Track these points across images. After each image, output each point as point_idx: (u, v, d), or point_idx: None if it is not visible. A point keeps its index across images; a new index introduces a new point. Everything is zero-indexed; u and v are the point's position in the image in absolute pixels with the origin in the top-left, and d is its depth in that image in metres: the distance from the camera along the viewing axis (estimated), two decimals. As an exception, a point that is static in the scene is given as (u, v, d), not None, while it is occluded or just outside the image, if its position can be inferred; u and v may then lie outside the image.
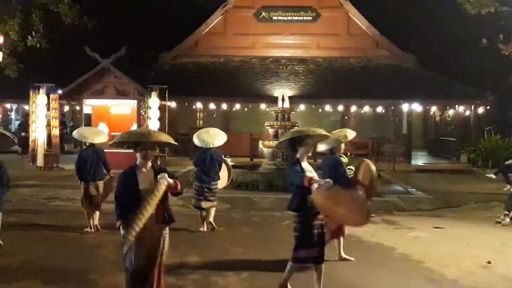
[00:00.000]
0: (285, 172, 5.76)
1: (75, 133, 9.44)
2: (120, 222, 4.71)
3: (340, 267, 6.97)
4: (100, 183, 9.15)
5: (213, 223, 9.30)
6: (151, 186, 4.70)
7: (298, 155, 5.58)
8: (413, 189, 14.66)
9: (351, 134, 7.41)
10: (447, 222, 10.43)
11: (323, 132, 5.76)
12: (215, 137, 9.35)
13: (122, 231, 4.68)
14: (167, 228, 4.91)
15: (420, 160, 22.72)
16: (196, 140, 9.33)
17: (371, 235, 9.01)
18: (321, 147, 7.19)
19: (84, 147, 9.60)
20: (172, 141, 4.95)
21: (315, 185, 5.17)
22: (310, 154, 5.78)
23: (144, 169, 4.91)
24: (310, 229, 5.34)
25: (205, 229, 9.21)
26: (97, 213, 9.11)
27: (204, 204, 9.24)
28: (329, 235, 6.74)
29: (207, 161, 9.19)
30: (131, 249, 4.66)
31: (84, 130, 10.09)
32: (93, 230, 8.98)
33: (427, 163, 22.05)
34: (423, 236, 9.12)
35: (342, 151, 7.39)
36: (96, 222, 9.09)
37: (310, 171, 5.54)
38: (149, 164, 4.94)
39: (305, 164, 5.56)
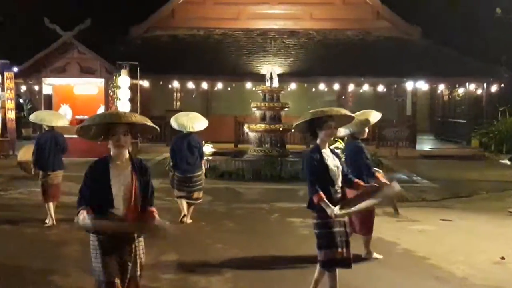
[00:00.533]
0: (303, 161, 5.59)
1: (32, 116, 9.46)
2: (82, 208, 4.27)
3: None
4: (60, 173, 9.24)
5: (189, 216, 9.39)
6: (125, 183, 4.32)
7: (318, 141, 5.36)
8: (418, 177, 14.75)
9: (375, 116, 7.32)
10: (456, 214, 10.51)
11: (348, 112, 5.57)
12: (196, 121, 9.41)
13: (80, 218, 4.23)
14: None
15: (426, 145, 22.89)
16: (174, 123, 9.41)
17: (370, 229, 9.08)
18: (341, 132, 7.11)
19: (44, 131, 9.59)
20: (149, 123, 4.43)
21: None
22: (331, 138, 5.68)
23: (118, 162, 4.40)
24: (331, 226, 5.26)
25: (187, 221, 9.33)
26: (54, 204, 9.23)
27: (190, 195, 9.40)
28: (352, 230, 6.98)
29: (185, 148, 9.27)
30: (97, 259, 4.31)
31: (42, 112, 10.10)
32: (54, 222, 9.07)
33: (434, 148, 22.21)
34: (428, 230, 9.19)
35: (365, 135, 7.39)
36: (52, 214, 9.18)
37: (333, 160, 5.34)
38: (126, 154, 4.43)
39: (326, 151, 5.36)
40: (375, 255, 7.37)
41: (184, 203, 9.39)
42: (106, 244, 4.29)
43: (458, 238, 8.63)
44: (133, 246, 4.38)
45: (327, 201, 5.14)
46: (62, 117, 9.67)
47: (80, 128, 4.42)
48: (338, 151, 14.59)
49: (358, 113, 7.26)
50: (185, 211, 9.34)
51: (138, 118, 4.38)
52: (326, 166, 5.25)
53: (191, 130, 9.28)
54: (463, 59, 22.34)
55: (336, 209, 5.09)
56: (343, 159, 5.81)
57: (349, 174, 5.53)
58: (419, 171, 15.80)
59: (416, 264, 7.20)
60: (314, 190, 5.19)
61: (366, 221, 7.30)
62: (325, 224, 5.25)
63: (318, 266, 5.49)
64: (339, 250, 5.26)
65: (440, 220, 9.90)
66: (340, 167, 5.37)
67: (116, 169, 4.38)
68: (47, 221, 9.12)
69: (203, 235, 8.65)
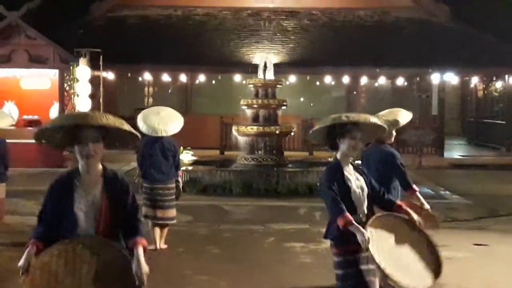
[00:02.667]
0: (321, 179, 5.31)
1: None
2: (31, 242, 4.16)
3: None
4: (1, 187, 9.10)
5: (158, 241, 9.32)
6: (95, 206, 4.15)
7: (338, 155, 5.19)
8: (447, 192, 14.83)
9: (405, 116, 7.24)
10: (493, 237, 10.55)
11: (380, 121, 5.33)
12: (169, 122, 9.35)
13: (24, 256, 4.12)
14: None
15: (456, 151, 22.97)
16: (141, 125, 9.22)
17: (388, 256, 9.10)
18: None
19: None
20: (127, 127, 4.20)
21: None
22: (356, 151, 5.38)
23: (87, 177, 4.23)
24: (357, 264, 5.09)
25: (159, 246, 9.25)
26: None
27: (161, 213, 9.27)
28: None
29: (157, 152, 9.25)
30: None
31: None
32: None
33: (466, 155, 22.28)
34: (459, 257, 9.21)
35: (392, 140, 7.20)
36: None
37: (357, 179, 5.16)
38: (98, 167, 4.26)
39: (348, 169, 5.19)
40: None
41: (156, 229, 9.27)
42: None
43: (496, 268, 8.66)
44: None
45: (357, 224, 4.85)
46: (6, 116, 9.54)
47: (39, 132, 4.23)
48: (349, 159, 14.60)
49: (383, 112, 7.25)
50: (157, 240, 9.26)
51: (111, 121, 4.12)
52: (348, 188, 5.06)
53: (164, 134, 9.23)
54: (501, 46, 22.43)
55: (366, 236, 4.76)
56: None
57: (385, 194, 5.32)
58: (448, 184, 15.84)
59: (444, 299, 7.22)
60: (338, 210, 4.92)
61: None
62: (351, 262, 5.04)
63: None
64: None
65: (474, 245, 9.93)
66: (366, 189, 5.17)
67: (83, 188, 4.19)
68: None
69: (181, 265, 8.64)
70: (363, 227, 4.85)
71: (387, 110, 7.40)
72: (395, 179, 6.83)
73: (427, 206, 6.68)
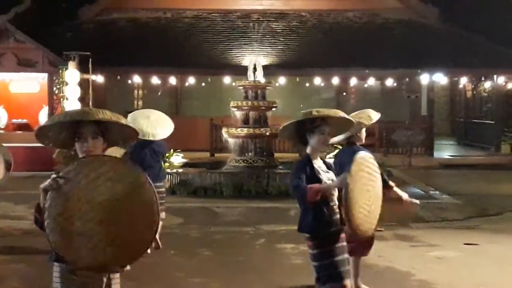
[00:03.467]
0: (291, 174, 5.42)
1: None
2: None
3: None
4: None
5: (158, 240, 9.25)
6: None
7: (308, 149, 5.32)
8: (436, 192, 14.87)
9: (373, 115, 7.31)
10: (483, 237, 10.58)
11: (346, 115, 5.48)
12: (158, 126, 9.27)
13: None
14: None
15: (445, 151, 23.04)
16: None
17: (378, 256, 9.07)
18: (335, 138, 6.87)
19: None
20: (124, 121, 4.26)
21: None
22: (326, 146, 5.50)
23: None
24: (332, 255, 5.23)
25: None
26: None
27: None
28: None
29: (147, 157, 9.19)
30: None
31: None
32: None
33: (455, 155, 22.36)
34: (450, 257, 9.24)
35: (363, 140, 7.30)
36: None
37: (326, 172, 5.30)
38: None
39: (318, 163, 5.32)
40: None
41: None
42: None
43: (486, 267, 8.68)
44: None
45: (323, 186, 5.05)
46: None
47: (40, 132, 4.24)
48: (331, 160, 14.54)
49: (353, 114, 7.32)
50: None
51: (108, 115, 4.16)
52: (319, 180, 5.17)
53: (151, 138, 9.11)
54: (490, 47, 22.53)
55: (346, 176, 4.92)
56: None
57: None
58: (438, 184, 15.90)
59: (435, 299, 7.24)
60: (304, 190, 5.03)
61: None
62: (326, 253, 5.19)
63: None
64: (346, 281, 5.22)
65: (464, 244, 9.95)
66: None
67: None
68: None
69: (172, 267, 8.62)
70: (336, 218, 5.15)
71: (355, 112, 7.45)
72: None
73: (405, 195, 6.98)
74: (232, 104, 15.61)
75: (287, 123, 5.32)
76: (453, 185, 15.94)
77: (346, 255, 5.29)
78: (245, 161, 15.28)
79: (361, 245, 6.93)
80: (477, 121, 25.18)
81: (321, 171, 5.25)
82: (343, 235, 5.27)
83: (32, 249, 9.30)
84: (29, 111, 20.23)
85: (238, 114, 15.61)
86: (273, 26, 23.98)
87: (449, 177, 17.73)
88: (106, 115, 4.13)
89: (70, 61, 18.39)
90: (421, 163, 19.88)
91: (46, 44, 19.34)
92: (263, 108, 15.46)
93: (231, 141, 15.61)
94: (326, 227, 5.16)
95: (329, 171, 5.34)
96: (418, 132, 21.00)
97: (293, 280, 7.71)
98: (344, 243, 5.30)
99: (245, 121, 15.52)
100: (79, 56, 18.53)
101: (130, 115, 9.43)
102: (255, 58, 17.41)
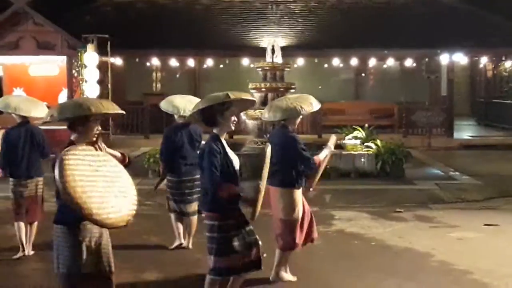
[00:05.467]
0: (203, 151, 5.56)
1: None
2: None
3: (358, 281, 7.04)
4: (40, 181, 8.34)
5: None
6: None
7: (217, 130, 5.52)
8: (456, 173, 14.80)
9: (315, 104, 6.99)
10: (504, 217, 10.52)
11: (249, 96, 5.90)
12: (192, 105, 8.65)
13: None
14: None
15: (465, 132, 22.90)
16: (166, 106, 8.68)
17: (398, 237, 9.08)
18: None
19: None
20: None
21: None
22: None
23: None
24: (226, 230, 5.54)
25: (185, 244, 8.60)
26: (34, 226, 8.32)
27: (189, 207, 8.45)
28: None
29: (185, 141, 8.44)
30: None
31: (12, 98, 9.85)
32: (26, 252, 8.19)
33: (476, 136, 22.22)
34: (470, 237, 9.21)
35: (296, 125, 7.04)
36: (30, 240, 8.32)
37: (233, 154, 5.62)
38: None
39: (225, 144, 5.60)
40: (286, 276, 7.02)
41: (180, 225, 8.58)
42: None
43: (506, 247, 8.65)
44: None
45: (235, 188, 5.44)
46: (39, 105, 8.60)
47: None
48: (358, 141, 14.55)
49: (293, 96, 7.24)
50: (182, 237, 8.58)
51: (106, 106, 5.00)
52: (231, 161, 5.50)
53: (186, 113, 7.87)
54: (511, 26, 22.29)
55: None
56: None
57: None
58: (458, 165, 15.81)
59: (455, 280, 7.21)
60: (217, 181, 5.35)
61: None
62: (222, 228, 5.53)
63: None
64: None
65: (484, 225, 9.91)
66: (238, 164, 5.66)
67: None
68: (20, 253, 8.17)
69: (192, 248, 8.58)
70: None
71: (295, 95, 7.38)
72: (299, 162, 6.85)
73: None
74: (250, 85, 15.56)
75: (197, 108, 5.56)
76: (473, 165, 15.86)
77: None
78: (264, 143, 15.24)
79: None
80: (498, 101, 25.00)
81: (228, 151, 5.55)
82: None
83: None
84: (48, 94, 20.27)
85: (257, 95, 15.56)
86: (291, 7, 23.87)
87: (469, 157, 17.62)
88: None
89: (89, 44, 18.45)
90: (441, 144, 19.77)
91: (65, 27, 19.39)
92: (282, 89, 15.39)
93: (249, 123, 15.57)
94: (232, 208, 5.65)
95: (233, 153, 5.66)
96: (437, 112, 20.84)
97: (311, 260, 7.69)
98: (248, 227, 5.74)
99: (264, 103, 15.43)
100: (97, 38, 18.57)
101: (165, 100, 8.80)
102: (273, 40, 17.31)
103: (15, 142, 8.13)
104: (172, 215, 8.58)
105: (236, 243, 5.48)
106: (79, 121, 4.87)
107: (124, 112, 5.10)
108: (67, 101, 5.27)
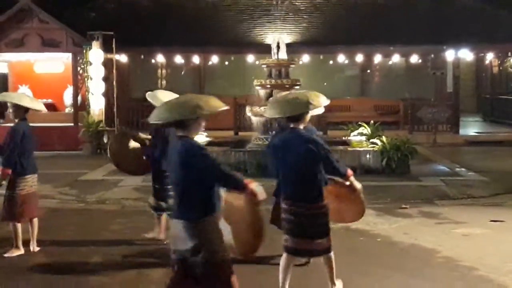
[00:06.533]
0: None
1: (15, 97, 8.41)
2: None
3: (363, 277, 7.04)
4: (36, 177, 8.39)
5: None
6: None
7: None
8: (462, 169, 14.79)
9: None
10: (510, 214, 10.50)
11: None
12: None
13: None
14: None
15: (471, 128, 22.88)
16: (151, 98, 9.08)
17: (403, 233, 9.08)
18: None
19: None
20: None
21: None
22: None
23: None
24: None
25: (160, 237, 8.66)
26: (35, 222, 8.29)
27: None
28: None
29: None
30: None
31: (17, 94, 9.96)
32: (31, 249, 8.18)
33: (481, 132, 22.20)
34: (476, 233, 9.20)
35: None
36: (34, 237, 8.27)
37: None
38: None
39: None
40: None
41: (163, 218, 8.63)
42: None
43: (512, 244, 8.66)
44: None
45: None
46: (35, 99, 8.99)
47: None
48: (363, 137, 14.54)
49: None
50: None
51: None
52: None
53: None
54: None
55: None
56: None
57: None
58: (464, 161, 15.81)
59: (461, 276, 7.21)
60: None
61: None
62: None
63: None
64: None
65: (490, 221, 9.91)
66: None
67: None
68: (14, 251, 8.12)
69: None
70: None
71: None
72: None
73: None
74: (255, 82, 15.56)
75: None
76: (479, 162, 15.84)
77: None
78: (269, 140, 15.25)
79: None
80: (504, 97, 24.94)
81: None
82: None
83: (58, 228, 9.44)
84: (53, 91, 20.38)
85: (262, 92, 15.57)
86: (297, 3, 23.82)
87: (475, 154, 17.59)
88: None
89: (94, 41, 18.47)
90: (447, 140, 19.74)
91: (70, 24, 19.41)
92: (287, 86, 15.37)
93: (254, 119, 15.57)
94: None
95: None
96: (443, 109, 20.80)
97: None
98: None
99: (269, 99, 15.47)
100: (102, 36, 18.58)
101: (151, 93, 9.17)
102: (278, 36, 17.31)
103: (28, 137, 8.13)
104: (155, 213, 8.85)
105: None
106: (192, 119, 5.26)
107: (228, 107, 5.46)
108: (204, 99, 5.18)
